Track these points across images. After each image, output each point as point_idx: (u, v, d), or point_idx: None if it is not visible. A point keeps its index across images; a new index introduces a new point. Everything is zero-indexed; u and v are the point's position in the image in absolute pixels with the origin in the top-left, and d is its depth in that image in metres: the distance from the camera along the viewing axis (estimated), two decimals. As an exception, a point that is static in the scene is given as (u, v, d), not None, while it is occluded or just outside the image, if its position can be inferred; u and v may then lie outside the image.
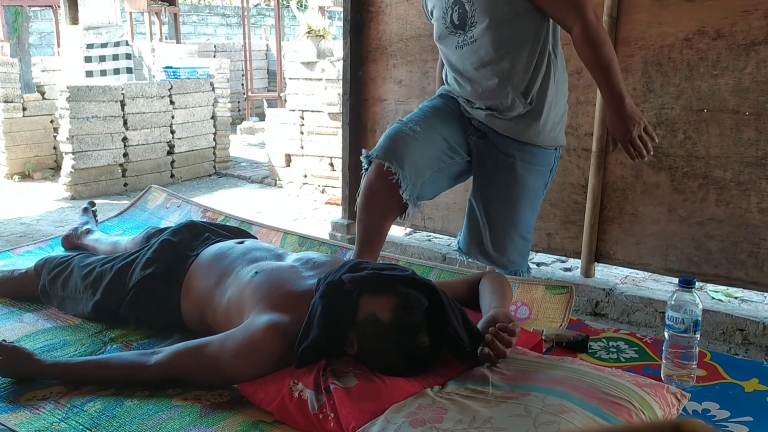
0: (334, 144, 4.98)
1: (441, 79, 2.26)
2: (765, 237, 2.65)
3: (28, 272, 2.18)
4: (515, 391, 1.39)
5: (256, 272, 1.76)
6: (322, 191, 5.31)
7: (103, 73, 6.39)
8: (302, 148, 5.35)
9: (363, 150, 2.08)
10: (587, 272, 3.10)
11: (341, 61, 3.94)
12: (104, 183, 5.33)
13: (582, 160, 3.02)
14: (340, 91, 4.23)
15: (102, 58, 6.42)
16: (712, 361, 1.74)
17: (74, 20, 7.19)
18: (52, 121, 5.83)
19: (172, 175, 5.80)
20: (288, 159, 5.49)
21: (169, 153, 5.75)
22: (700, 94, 2.70)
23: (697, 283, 1.66)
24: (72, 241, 2.59)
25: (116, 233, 2.75)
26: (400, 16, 3.51)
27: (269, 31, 11.52)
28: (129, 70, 6.59)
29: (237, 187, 5.74)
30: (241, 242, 2.02)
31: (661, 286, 3.12)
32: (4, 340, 1.70)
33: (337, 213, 4.30)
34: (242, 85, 9.47)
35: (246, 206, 4.90)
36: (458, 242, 2.27)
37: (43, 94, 5.84)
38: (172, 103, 5.68)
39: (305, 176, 5.40)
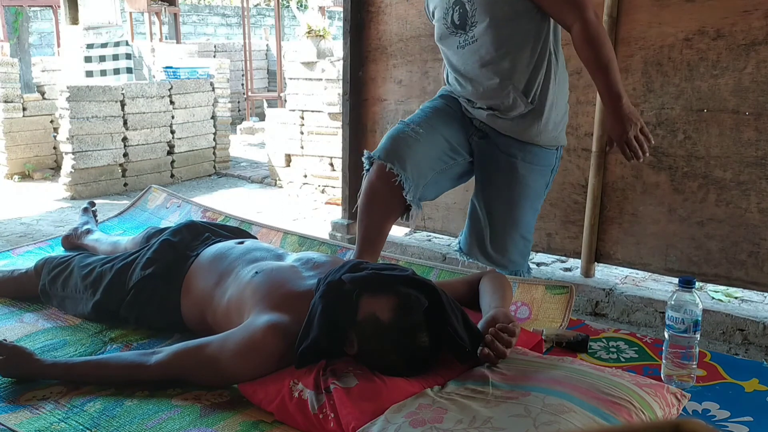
0: (334, 144, 4.98)
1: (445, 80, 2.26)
2: (765, 237, 2.65)
3: (28, 272, 2.18)
4: (515, 391, 1.39)
5: (256, 272, 1.76)
6: (322, 191, 5.31)
7: (103, 73, 6.39)
8: (302, 148, 5.35)
9: (365, 151, 2.08)
10: (587, 272, 3.10)
11: (341, 61, 3.94)
12: (104, 183, 5.33)
13: (582, 160, 3.02)
14: (340, 91, 4.23)
15: (102, 58, 6.42)
16: (712, 361, 1.74)
17: (74, 20, 7.19)
18: (52, 121, 5.83)
19: (172, 175, 5.80)
20: (288, 159, 5.49)
21: (169, 153, 5.75)
22: (700, 94, 2.70)
23: (697, 283, 1.66)
24: (72, 241, 2.59)
25: (116, 233, 2.75)
26: (400, 16, 3.51)
27: (269, 31, 11.52)
28: (129, 70, 6.59)
29: (237, 187, 5.74)
30: (241, 242, 2.02)
31: (661, 286, 3.12)
32: (5, 340, 1.70)
33: (337, 213, 4.30)
34: (242, 85, 9.47)
35: (246, 206, 4.90)
36: (459, 242, 2.27)
37: (43, 94, 5.84)
38: (172, 103, 5.68)
39: (305, 176, 5.40)
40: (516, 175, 2.06)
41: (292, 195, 5.38)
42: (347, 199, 3.81)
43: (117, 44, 6.59)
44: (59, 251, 2.55)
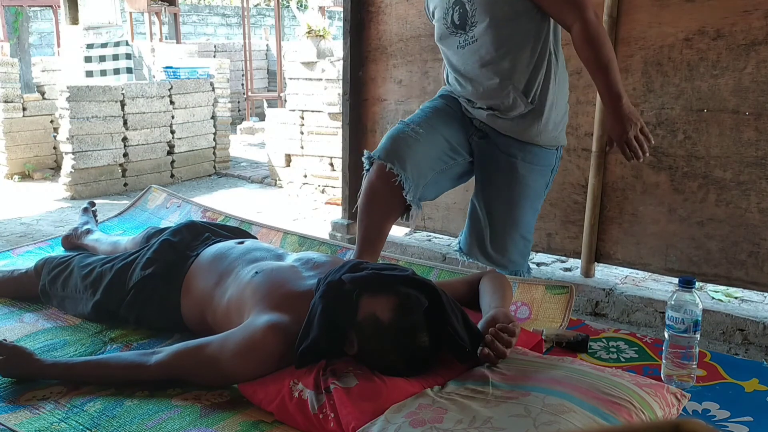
0: (334, 144, 4.98)
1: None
2: (765, 237, 2.65)
3: (28, 272, 2.18)
4: (515, 391, 1.39)
5: (256, 272, 1.75)
6: (322, 191, 5.31)
7: (103, 73, 6.39)
8: (302, 148, 5.35)
9: (365, 151, 2.08)
10: (587, 272, 3.10)
11: (341, 61, 3.94)
12: (104, 183, 5.33)
13: (582, 160, 3.02)
14: (340, 91, 4.23)
15: (102, 58, 6.42)
16: (712, 361, 1.74)
17: (74, 20, 7.19)
18: (52, 121, 5.83)
19: (172, 175, 5.80)
20: (288, 159, 5.49)
21: (169, 153, 5.75)
22: (700, 94, 2.70)
23: (697, 283, 1.66)
24: (72, 241, 2.58)
25: (116, 233, 2.75)
26: (400, 16, 3.51)
27: (269, 31, 11.52)
28: (129, 70, 6.58)
29: (237, 187, 5.74)
30: (241, 242, 2.02)
31: (661, 286, 3.12)
32: (5, 340, 1.70)
33: (337, 213, 4.30)
34: (242, 85, 9.47)
35: (246, 206, 4.90)
36: (459, 242, 2.27)
37: (43, 94, 5.84)
38: (172, 103, 5.68)
39: (305, 176, 5.40)
40: (516, 175, 2.06)
41: (292, 195, 5.38)
42: (347, 199, 3.81)
43: (117, 44, 6.59)
44: (59, 251, 2.55)
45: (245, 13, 8.72)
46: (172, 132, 5.73)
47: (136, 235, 2.36)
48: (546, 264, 3.50)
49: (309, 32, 5.41)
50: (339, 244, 2.52)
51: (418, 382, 1.48)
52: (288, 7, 11.89)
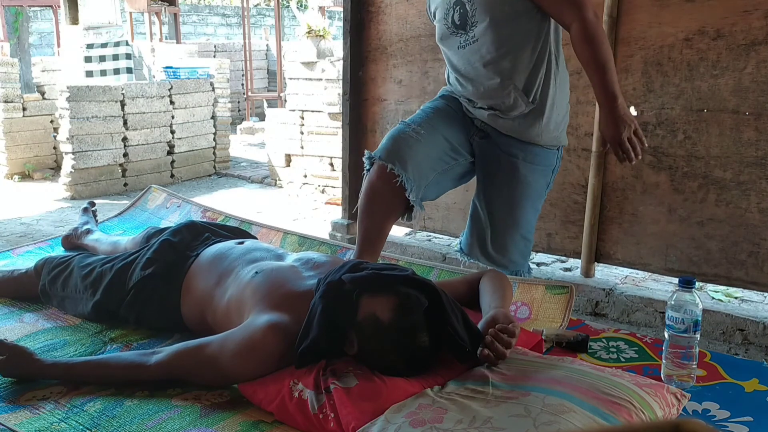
0: (334, 144, 4.98)
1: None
2: (765, 237, 2.65)
3: (28, 272, 2.18)
4: (515, 391, 1.39)
5: (256, 272, 1.75)
6: (322, 191, 5.31)
7: (103, 73, 6.39)
8: (302, 148, 5.35)
9: (365, 151, 2.08)
10: (587, 272, 3.10)
11: (341, 61, 3.94)
12: (104, 183, 5.33)
13: (582, 160, 3.02)
14: (340, 91, 4.23)
15: (102, 58, 6.42)
16: (712, 361, 1.74)
17: (74, 20, 7.19)
18: (52, 121, 5.83)
19: (172, 175, 5.80)
20: (288, 159, 5.49)
21: (169, 153, 5.75)
22: (700, 94, 2.70)
23: (697, 283, 1.66)
24: (72, 241, 2.58)
25: (116, 233, 2.75)
26: (400, 16, 3.51)
27: (269, 31, 11.52)
28: (129, 70, 6.59)
29: (237, 187, 5.74)
30: (241, 242, 2.02)
31: (661, 286, 3.12)
32: (5, 339, 1.70)
33: (337, 213, 4.30)
34: (242, 85, 9.47)
35: (246, 206, 4.90)
36: (460, 243, 2.27)
37: (43, 94, 5.84)
38: (172, 103, 5.68)
39: (305, 176, 5.40)
40: (517, 175, 2.06)
41: (292, 195, 5.38)
42: (347, 199, 3.81)
43: (117, 44, 6.59)
44: (59, 251, 2.55)
45: (245, 13, 8.72)
46: (172, 132, 5.73)
47: (136, 235, 2.36)
48: (546, 264, 3.50)
49: (309, 32, 5.41)
50: (339, 244, 2.52)
51: (418, 382, 1.48)
52: (288, 7, 11.89)
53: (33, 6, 10.12)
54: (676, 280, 1.88)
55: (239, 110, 9.44)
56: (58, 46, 8.06)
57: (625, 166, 2.88)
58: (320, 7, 7.32)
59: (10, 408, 1.53)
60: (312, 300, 1.59)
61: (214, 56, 9.38)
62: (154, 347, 1.75)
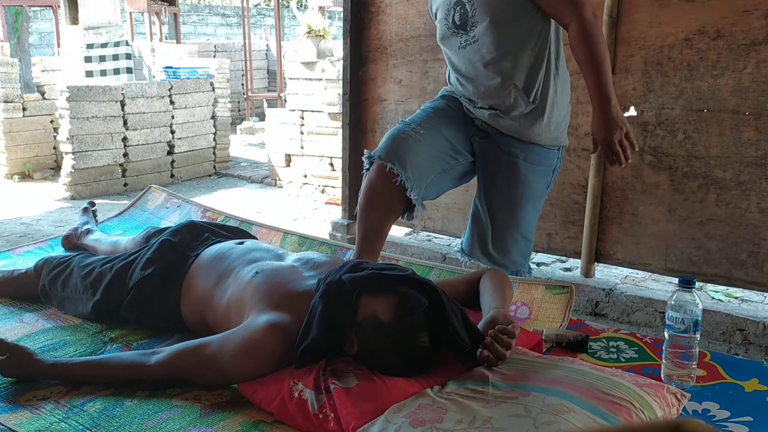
0: (334, 144, 4.98)
1: None
2: (765, 237, 2.65)
3: (28, 272, 2.18)
4: (515, 391, 1.39)
5: (257, 272, 1.75)
6: (322, 191, 5.31)
7: (103, 73, 6.39)
8: (302, 148, 5.35)
9: (365, 150, 2.08)
10: (587, 272, 3.10)
11: (341, 61, 3.94)
12: (104, 183, 5.33)
13: (582, 160, 3.02)
14: (340, 91, 4.23)
15: (102, 58, 6.42)
16: (712, 361, 1.74)
17: (74, 20, 7.19)
18: (52, 121, 5.83)
19: (172, 175, 5.80)
20: (288, 159, 5.49)
21: (169, 153, 5.75)
22: (700, 94, 2.70)
23: (697, 283, 1.66)
24: (72, 241, 2.58)
25: (116, 233, 2.75)
26: (400, 16, 3.51)
27: (269, 31, 11.52)
28: (129, 70, 6.59)
29: (237, 187, 5.74)
30: (241, 242, 2.02)
31: (661, 286, 3.12)
32: (5, 339, 1.70)
33: (337, 213, 4.30)
34: (242, 85, 9.47)
35: (246, 206, 4.90)
36: (461, 243, 2.27)
37: (43, 94, 5.84)
38: (172, 103, 5.68)
39: (305, 176, 5.40)
40: (518, 175, 2.06)
41: (292, 195, 5.38)
42: (347, 199, 3.81)
43: (117, 44, 6.59)
44: (59, 251, 2.55)
45: (245, 13, 8.72)
46: (172, 132, 5.73)
47: (136, 235, 2.36)
48: (546, 264, 3.50)
49: (309, 32, 5.41)
50: (339, 244, 2.52)
51: (418, 382, 1.48)
52: (288, 7, 11.89)
53: (33, 6, 10.12)
54: (676, 280, 1.88)
55: (239, 110, 9.45)
56: (58, 46, 8.06)
57: (625, 165, 2.89)
58: (320, 7, 7.32)
59: (10, 408, 1.53)
60: (312, 300, 1.59)
61: (214, 56, 9.38)
62: (154, 347, 1.75)
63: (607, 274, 3.27)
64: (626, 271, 3.26)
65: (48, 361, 1.66)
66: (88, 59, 6.34)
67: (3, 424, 1.44)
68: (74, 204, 4.94)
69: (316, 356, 1.53)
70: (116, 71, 6.47)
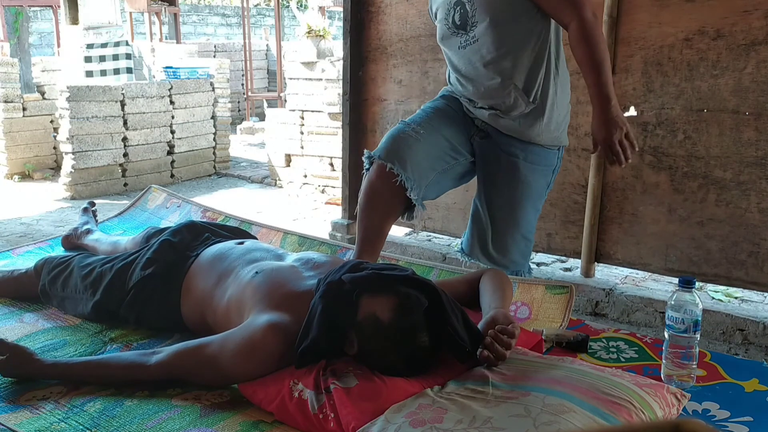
0: (334, 144, 4.98)
1: None
2: (765, 237, 2.65)
3: (28, 272, 2.18)
4: (515, 391, 1.39)
5: (257, 272, 1.75)
6: (322, 191, 5.31)
7: (103, 73, 6.39)
8: (302, 148, 5.35)
9: (365, 150, 2.08)
10: (587, 272, 3.10)
11: (341, 61, 3.94)
12: (104, 183, 5.33)
13: (582, 160, 3.02)
14: (340, 91, 4.23)
15: (102, 58, 6.42)
16: (712, 361, 1.74)
17: (74, 20, 7.19)
18: (52, 121, 5.83)
19: (172, 175, 5.80)
20: (288, 159, 5.49)
21: (169, 153, 5.75)
22: (700, 94, 2.70)
23: (697, 283, 1.66)
24: (72, 241, 2.58)
25: (116, 233, 2.75)
26: (400, 16, 3.51)
27: (269, 31, 11.52)
28: (129, 70, 6.59)
29: (237, 187, 5.74)
30: (241, 243, 2.02)
31: (661, 286, 3.12)
32: (5, 339, 1.70)
33: (337, 213, 4.30)
34: (242, 85, 9.47)
35: (246, 206, 4.90)
36: (461, 243, 2.27)
37: (43, 94, 5.84)
38: (172, 103, 5.68)
39: (305, 176, 5.40)
40: (518, 175, 2.06)
41: (292, 195, 5.38)
42: (347, 199, 3.81)
43: (117, 44, 6.59)
44: (59, 251, 2.55)
45: (245, 13, 8.72)
46: (172, 132, 5.73)
47: (136, 235, 2.36)
48: (546, 264, 3.50)
49: (309, 32, 5.41)
50: (339, 244, 2.52)
51: (418, 382, 1.48)
52: (288, 7, 11.89)
53: (33, 6, 10.12)
54: (676, 280, 1.88)
55: (239, 110, 9.45)
56: (58, 46, 8.06)
57: (625, 165, 2.89)
58: (320, 7, 7.32)
59: (10, 408, 1.53)
60: (312, 300, 1.59)
61: (214, 56, 9.38)
62: (154, 347, 1.75)
63: (607, 274, 3.27)
64: (626, 271, 3.26)
65: (48, 361, 1.66)
66: (88, 59, 6.35)
67: (3, 424, 1.44)
68: (74, 204, 4.94)
69: (316, 356, 1.53)
70: (116, 71, 6.47)
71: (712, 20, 2.64)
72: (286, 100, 5.60)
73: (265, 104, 8.67)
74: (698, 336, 1.58)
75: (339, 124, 4.46)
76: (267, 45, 10.63)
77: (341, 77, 3.94)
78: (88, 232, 2.59)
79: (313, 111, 5.23)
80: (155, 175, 5.60)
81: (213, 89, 6.03)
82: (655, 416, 1.38)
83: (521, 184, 2.06)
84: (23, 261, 2.47)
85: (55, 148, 5.86)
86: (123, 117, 5.35)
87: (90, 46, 6.43)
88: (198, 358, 1.58)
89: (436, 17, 2.13)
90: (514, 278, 2.04)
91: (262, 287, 1.69)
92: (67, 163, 5.14)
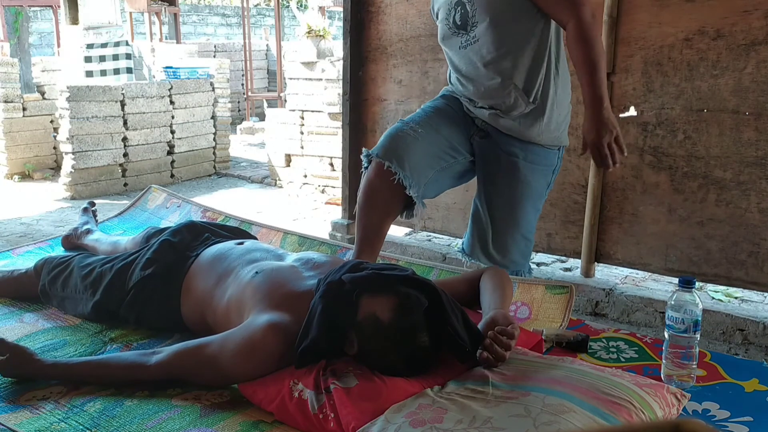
0: (334, 144, 4.98)
1: None
2: (765, 237, 2.65)
3: (28, 272, 2.18)
4: (515, 391, 1.39)
5: (257, 272, 1.75)
6: (322, 191, 5.31)
7: (103, 73, 6.39)
8: (302, 148, 5.35)
9: (363, 149, 2.08)
10: (587, 272, 3.10)
11: (341, 61, 3.94)
12: (104, 183, 5.33)
13: (582, 160, 3.02)
14: (340, 91, 4.23)
15: (102, 58, 6.42)
16: (712, 361, 1.74)
17: (74, 20, 7.20)
18: (52, 121, 5.83)
19: (172, 175, 5.80)
20: (288, 159, 5.49)
21: (169, 153, 5.75)
22: (700, 94, 2.70)
23: (697, 283, 1.66)
24: (72, 241, 2.58)
25: (116, 233, 2.75)
26: (400, 16, 3.51)
27: (269, 31, 11.52)
28: (129, 70, 6.59)
29: (237, 187, 5.74)
30: (241, 243, 2.02)
31: (661, 286, 3.12)
32: (5, 339, 1.70)
33: (337, 213, 4.30)
34: (242, 85, 9.47)
35: (246, 206, 4.90)
36: (462, 244, 2.27)
37: (43, 94, 5.84)
38: (172, 103, 5.68)
39: (305, 176, 5.40)
40: (518, 175, 2.06)
41: (292, 195, 5.38)
42: (347, 199, 3.81)
43: (117, 44, 6.59)
44: (59, 251, 2.55)
45: (245, 13, 8.72)
46: (172, 132, 5.73)
47: (136, 235, 2.36)
48: (546, 264, 3.50)
49: (309, 32, 5.41)
50: (339, 244, 2.52)
51: (418, 382, 1.48)
52: (288, 7, 11.89)
53: (33, 6, 10.12)
54: (676, 280, 1.88)
55: (239, 110, 9.45)
56: (58, 46, 8.06)
57: (625, 165, 2.90)
58: (320, 7, 7.32)
59: (10, 408, 1.53)
60: (312, 300, 1.59)
61: (214, 56, 9.38)
62: (154, 347, 1.75)
63: (607, 274, 3.27)
64: (626, 271, 3.26)
65: (48, 361, 1.66)
66: (88, 59, 6.35)
67: (3, 424, 1.44)
68: (74, 204, 4.94)
69: (316, 356, 1.53)
70: (116, 71, 6.47)
71: (712, 20, 2.64)
72: (286, 100, 5.60)
73: (265, 104, 8.67)
74: (698, 336, 1.58)
75: (339, 124, 4.46)
76: (267, 45, 10.63)
77: (341, 77, 3.94)
78: (88, 232, 2.59)
79: (313, 111, 5.23)
80: (155, 175, 5.60)
81: (213, 89, 6.03)
82: (655, 416, 1.38)
83: (521, 183, 2.06)
84: (23, 261, 2.47)
85: (55, 148, 5.86)
86: (123, 117, 5.35)
87: (90, 46, 6.43)
88: (198, 358, 1.58)
89: (437, 17, 2.13)
90: (515, 278, 2.04)
91: (262, 287, 1.69)
92: (67, 163, 5.14)
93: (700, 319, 1.56)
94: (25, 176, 5.75)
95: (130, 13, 9.07)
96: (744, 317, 2.70)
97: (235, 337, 1.57)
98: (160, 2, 8.83)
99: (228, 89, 6.21)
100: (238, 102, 9.42)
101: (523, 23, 1.96)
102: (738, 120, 2.64)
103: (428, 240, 3.84)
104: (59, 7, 7.64)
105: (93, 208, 2.81)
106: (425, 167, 2.00)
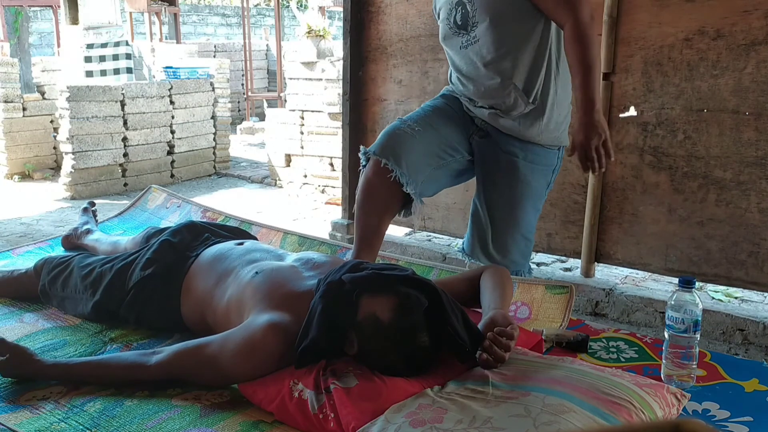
0: (334, 144, 4.98)
1: None
2: (765, 237, 2.65)
3: (28, 272, 2.18)
4: (515, 391, 1.39)
5: (257, 272, 1.75)
6: (322, 191, 5.31)
7: (103, 73, 6.39)
8: (302, 148, 5.35)
9: (361, 147, 2.09)
10: (587, 272, 3.10)
11: (341, 61, 3.94)
12: (104, 183, 5.33)
13: (582, 160, 3.02)
14: (340, 91, 4.23)
15: (102, 58, 6.42)
16: (712, 361, 1.74)
17: (74, 20, 7.20)
18: (52, 121, 5.83)
19: (172, 175, 5.80)
20: (288, 159, 5.49)
21: (169, 153, 5.75)
22: (700, 94, 2.70)
23: (697, 283, 1.66)
24: (72, 241, 2.58)
25: (116, 233, 2.75)
26: (400, 16, 3.51)
27: (269, 31, 11.52)
28: (129, 70, 6.59)
29: (237, 187, 5.74)
30: (241, 243, 2.02)
31: (661, 286, 3.12)
32: (5, 339, 1.70)
33: (337, 213, 4.30)
34: (242, 85, 9.47)
35: (246, 206, 4.90)
36: (462, 244, 2.27)
37: (43, 94, 5.84)
38: (172, 103, 5.68)
39: (305, 176, 5.40)
40: (517, 175, 2.06)
41: (292, 195, 5.38)
42: (347, 199, 3.81)
43: (117, 44, 6.59)
44: (59, 251, 2.55)
45: (245, 13, 8.72)
46: (172, 132, 5.73)
47: (136, 235, 2.36)
48: (546, 264, 3.50)
49: (309, 32, 5.42)
50: (339, 244, 2.52)
51: (418, 382, 1.48)
52: (288, 7, 11.89)
53: (33, 6, 10.12)
54: (676, 280, 1.88)
55: (239, 110, 9.45)
56: (58, 46, 8.06)
57: (625, 165, 2.90)
58: (320, 7, 7.32)
59: (10, 408, 1.53)
60: (312, 300, 1.59)
61: (214, 56, 9.38)
62: (154, 347, 1.75)
63: (607, 274, 3.27)
64: (626, 271, 3.26)
65: (48, 361, 1.66)
66: (88, 59, 6.35)
67: (3, 424, 1.44)
68: (74, 204, 4.94)
69: (316, 356, 1.53)
70: (116, 71, 6.47)
71: (712, 20, 2.64)
72: (286, 100, 5.60)
73: (265, 104, 8.67)
74: (698, 336, 1.58)
75: (339, 124, 4.46)
76: (267, 45, 10.63)
77: (341, 77, 3.94)
78: (88, 232, 2.59)
79: (313, 111, 5.23)
80: (155, 175, 5.60)
81: (213, 89, 6.03)
82: (655, 416, 1.38)
83: (521, 183, 2.06)
84: (23, 261, 2.47)
85: (55, 148, 5.86)
86: (123, 117, 5.35)
87: (90, 46, 6.43)
88: (198, 358, 1.58)
89: (439, 17, 2.13)
90: (515, 278, 2.04)
91: (262, 287, 1.69)
92: (67, 163, 5.14)
93: (700, 319, 1.56)
94: (25, 176, 5.75)
95: (130, 13, 9.07)
96: (744, 317, 2.70)
97: (235, 337, 1.57)
98: (160, 2, 8.83)
99: (228, 89, 6.21)
100: (238, 102, 9.42)
101: (524, 23, 1.96)
102: (738, 120, 2.64)
103: (428, 240, 3.84)
104: (59, 7, 7.64)
105: (93, 208, 2.81)
106: (422, 165, 2.00)
